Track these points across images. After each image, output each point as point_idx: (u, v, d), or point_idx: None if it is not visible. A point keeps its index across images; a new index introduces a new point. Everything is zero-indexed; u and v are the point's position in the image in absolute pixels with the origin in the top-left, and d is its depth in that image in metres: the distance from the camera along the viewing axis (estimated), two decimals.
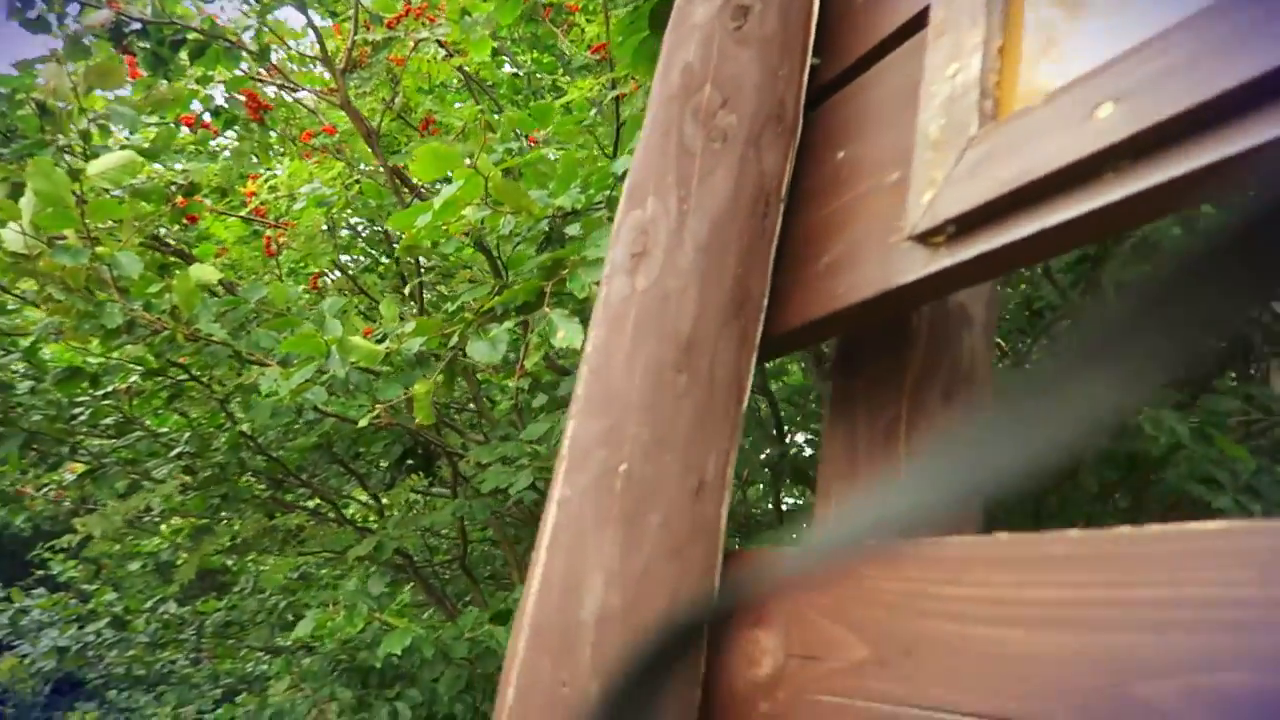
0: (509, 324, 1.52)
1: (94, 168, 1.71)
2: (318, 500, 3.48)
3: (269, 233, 2.86)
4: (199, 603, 4.22)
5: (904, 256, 0.76)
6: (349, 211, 3.16)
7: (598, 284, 1.57)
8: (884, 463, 0.99)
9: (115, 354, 2.62)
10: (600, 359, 0.87)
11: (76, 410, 2.88)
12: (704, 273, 0.87)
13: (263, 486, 3.33)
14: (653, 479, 0.80)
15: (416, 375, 2.22)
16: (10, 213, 1.61)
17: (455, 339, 1.72)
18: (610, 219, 1.74)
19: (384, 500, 3.54)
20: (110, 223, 2.03)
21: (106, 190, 1.83)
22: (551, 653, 0.77)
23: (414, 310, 2.55)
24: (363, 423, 1.77)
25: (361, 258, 3.40)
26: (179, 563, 4.52)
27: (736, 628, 0.81)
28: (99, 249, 1.82)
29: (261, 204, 2.92)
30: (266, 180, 2.77)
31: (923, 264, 0.74)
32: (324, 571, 4.35)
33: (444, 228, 1.76)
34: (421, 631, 2.14)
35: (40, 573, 7.07)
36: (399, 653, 2.07)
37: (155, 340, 2.29)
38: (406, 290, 2.36)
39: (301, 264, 3.30)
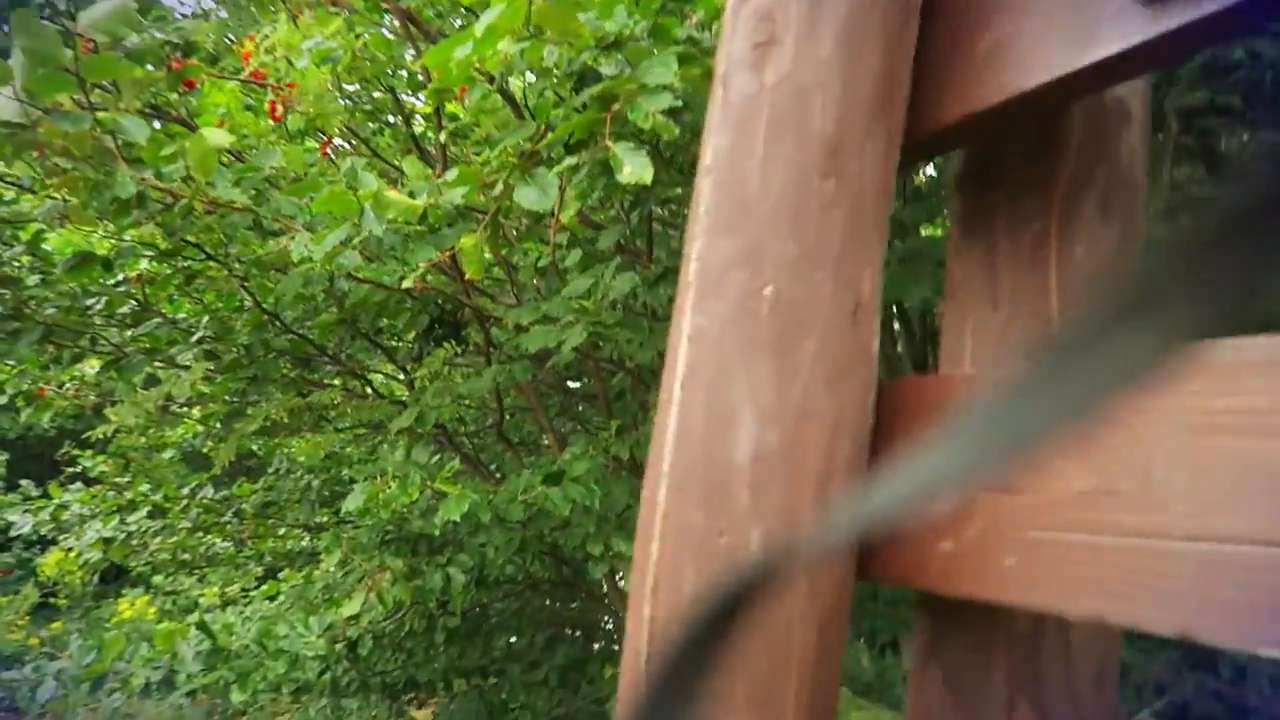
0: (567, 162, 1.39)
1: (84, 19, 1.53)
2: (345, 377, 3.41)
3: (271, 96, 2.67)
4: (235, 486, 4.24)
5: (1111, 21, 0.63)
6: (353, 75, 2.95)
7: (662, 114, 1.43)
8: (1031, 281, 0.88)
9: (126, 235, 2.49)
10: (726, 169, 0.75)
11: (90, 301, 2.76)
12: (846, 62, 0.74)
13: (289, 366, 3.26)
14: (804, 301, 0.70)
15: (450, 235, 2.09)
16: (2, 74, 1.45)
17: (499, 187, 1.59)
18: (655, 50, 1.58)
19: (414, 373, 3.48)
20: (106, 88, 1.86)
21: (98, 47, 1.65)
22: (701, 501, 0.68)
23: (436, 171, 2.39)
24: (406, 283, 1.66)
25: (370, 124, 3.21)
26: (207, 450, 4.52)
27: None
28: (100, 114, 1.66)
29: (260, 67, 2.72)
30: (262, 41, 2.56)
31: (1141, 27, 0.61)
32: (349, 450, 4.35)
33: (478, 65, 1.60)
34: (476, 497, 2.11)
35: (70, 470, 7.16)
36: (457, 518, 2.04)
37: (168, 215, 2.15)
38: (443, 138, 2.19)
39: (304, 131, 3.12)
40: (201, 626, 2.53)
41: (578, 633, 5.46)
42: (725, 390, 0.69)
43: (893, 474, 0.29)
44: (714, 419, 0.69)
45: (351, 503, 2.21)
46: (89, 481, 7.39)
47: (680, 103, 1.38)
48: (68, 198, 2.07)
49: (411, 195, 1.90)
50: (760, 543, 0.66)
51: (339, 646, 2.92)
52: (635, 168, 1.28)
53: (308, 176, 2.18)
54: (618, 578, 3.45)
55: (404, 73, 3.11)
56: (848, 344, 0.71)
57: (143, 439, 4.63)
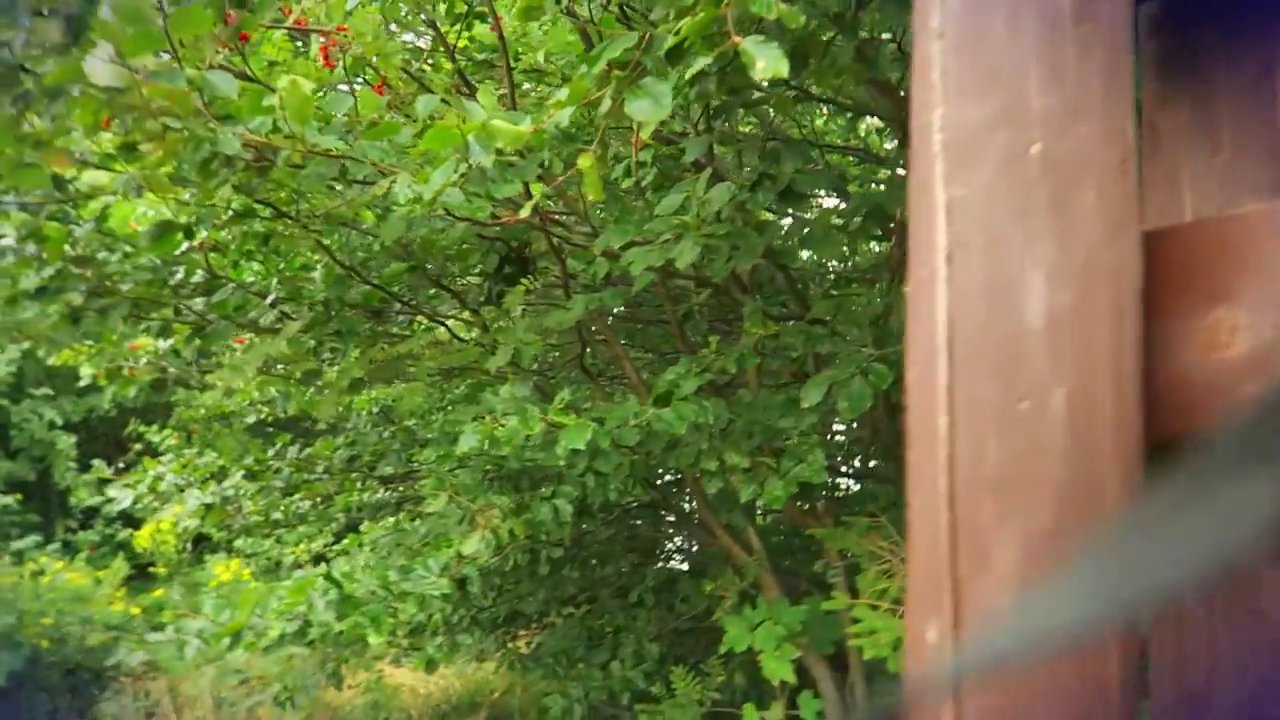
0: (700, 63, 1.34)
1: None
2: (419, 323, 3.42)
3: (322, 41, 2.62)
4: (318, 444, 4.30)
5: None
6: (393, 11, 2.89)
7: (785, 1, 1.37)
8: (1256, 117, 0.84)
9: (203, 201, 2.47)
10: (965, 27, 0.72)
11: (171, 271, 2.77)
12: None
13: (363, 319, 3.27)
14: (1075, 155, 0.67)
15: (528, 166, 2.06)
16: (105, 31, 1.42)
17: (606, 103, 1.55)
18: None
19: (485, 314, 3.48)
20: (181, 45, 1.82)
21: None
22: (994, 371, 0.67)
23: (505, 103, 2.35)
24: (524, 213, 1.64)
25: (414, 63, 3.14)
26: (262, 414, 4.56)
27: (1177, 312, 0.71)
28: (188, 72, 1.63)
29: (302, 14, 2.66)
30: None
31: None
32: (412, 399, 4.38)
33: None
34: (594, 424, 2.12)
35: (137, 447, 7.33)
36: (581, 446, 2.06)
37: (245, 175, 2.14)
38: (525, 60, 2.14)
39: (354, 76, 3.06)
40: (328, 578, 2.61)
41: (662, 553, 5.57)
42: (1004, 256, 0.67)
43: (1009, 620, 0.28)
44: (996, 286, 0.67)
45: (464, 444, 2.22)
46: (156, 455, 7.59)
47: None
48: (149, 166, 2.05)
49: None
50: (1065, 404, 0.65)
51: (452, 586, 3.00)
52: (769, 62, 1.23)
53: (382, 121, 2.14)
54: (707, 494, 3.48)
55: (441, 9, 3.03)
56: (1121, 195, 0.68)
57: (202, 410, 4.71)
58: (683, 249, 1.90)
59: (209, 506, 3.86)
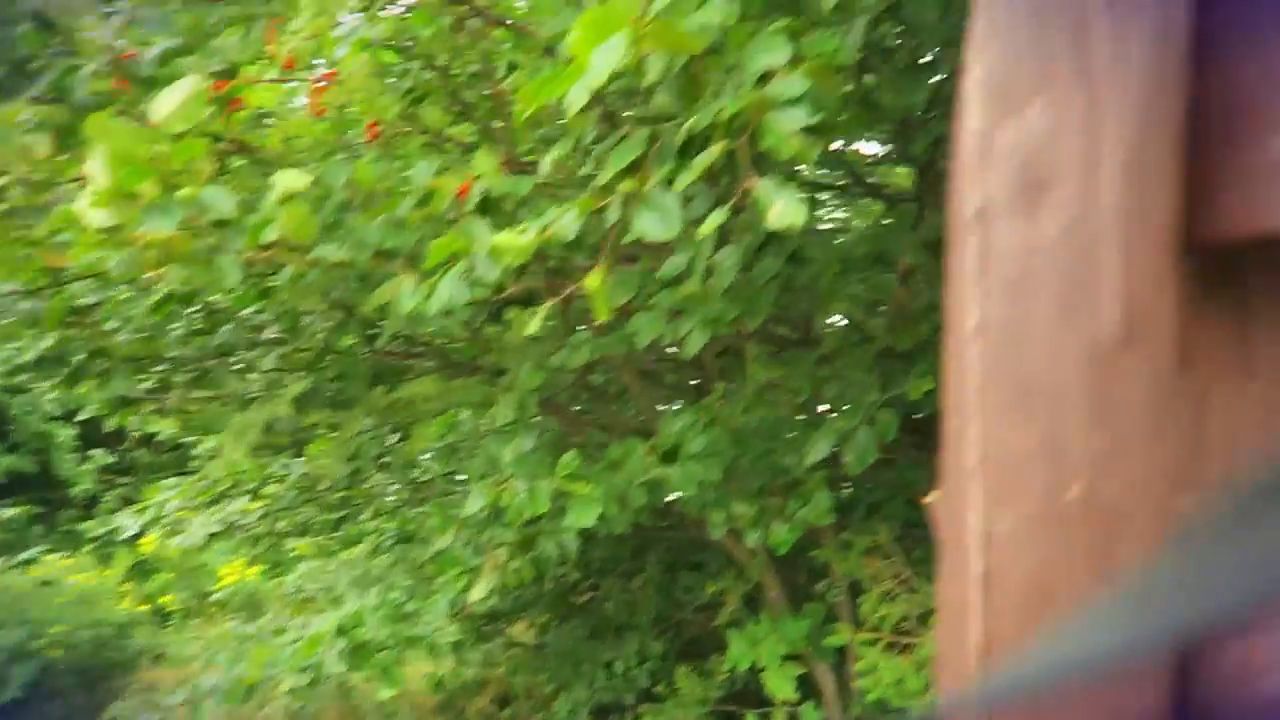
0: (712, 221, 1.29)
1: (158, 112, 1.44)
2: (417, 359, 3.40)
3: (311, 90, 2.54)
4: (313, 447, 4.28)
5: None
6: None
7: (803, 136, 1.32)
8: None
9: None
10: (1002, 343, 0.70)
11: (172, 325, 2.74)
12: (1133, 203, 0.67)
13: (362, 357, 3.23)
14: (1117, 500, 0.66)
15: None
16: (99, 199, 1.37)
17: (612, 213, 1.52)
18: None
19: (487, 333, 3.45)
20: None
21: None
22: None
23: (503, 159, 2.29)
24: (530, 330, 1.61)
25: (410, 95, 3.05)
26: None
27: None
28: (180, 194, 1.59)
29: (290, 56, 2.58)
30: (292, 30, 2.41)
31: None
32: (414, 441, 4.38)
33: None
34: (600, 491, 2.12)
35: (136, 434, 7.28)
36: (591, 524, 2.07)
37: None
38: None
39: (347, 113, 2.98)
40: (340, 630, 2.63)
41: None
42: (1041, 600, 0.66)
43: (1042, 647, 0.29)
44: (1029, 621, 0.66)
45: (472, 505, 2.23)
46: (148, 442, 7.63)
47: (818, 120, 1.27)
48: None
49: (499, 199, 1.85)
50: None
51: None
52: (785, 208, 1.20)
53: (376, 194, 2.09)
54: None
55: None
56: (1163, 536, 0.67)
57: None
58: (691, 334, 1.87)
59: (213, 535, 3.88)
